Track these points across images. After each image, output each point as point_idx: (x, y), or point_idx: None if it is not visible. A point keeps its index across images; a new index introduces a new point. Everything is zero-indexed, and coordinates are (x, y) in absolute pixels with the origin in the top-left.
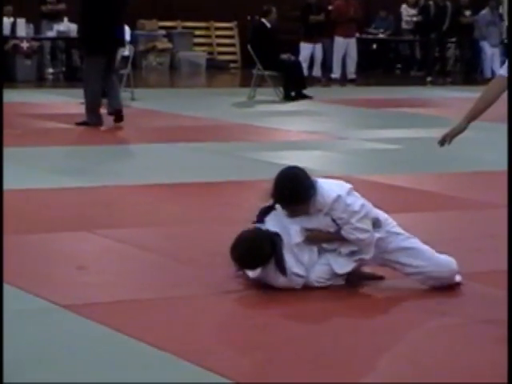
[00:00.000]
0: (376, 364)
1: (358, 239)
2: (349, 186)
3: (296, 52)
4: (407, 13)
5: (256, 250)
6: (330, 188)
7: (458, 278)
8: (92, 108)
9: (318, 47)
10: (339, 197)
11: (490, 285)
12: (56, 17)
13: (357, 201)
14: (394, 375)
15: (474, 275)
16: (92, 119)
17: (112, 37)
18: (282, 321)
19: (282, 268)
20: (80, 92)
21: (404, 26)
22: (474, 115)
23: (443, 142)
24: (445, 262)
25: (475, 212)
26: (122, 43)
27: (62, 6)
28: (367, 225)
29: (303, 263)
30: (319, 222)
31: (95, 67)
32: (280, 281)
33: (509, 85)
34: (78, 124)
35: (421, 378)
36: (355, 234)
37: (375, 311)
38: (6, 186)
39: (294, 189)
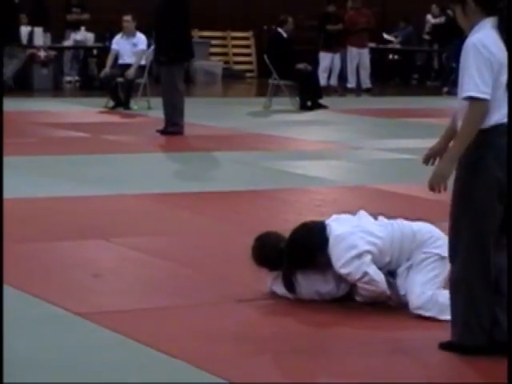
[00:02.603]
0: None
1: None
2: (364, 248)
3: (313, 62)
4: (429, 22)
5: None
6: (338, 248)
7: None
8: (177, 116)
9: (337, 57)
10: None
11: None
12: (76, 26)
13: (361, 266)
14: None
15: None
16: (175, 127)
17: (190, 46)
18: (295, 330)
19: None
20: (93, 101)
21: (425, 36)
22: (451, 135)
23: (427, 161)
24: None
25: None
26: (193, 54)
27: (86, 16)
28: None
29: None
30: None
31: (179, 76)
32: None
33: (508, 86)
34: (161, 132)
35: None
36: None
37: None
38: (21, 195)
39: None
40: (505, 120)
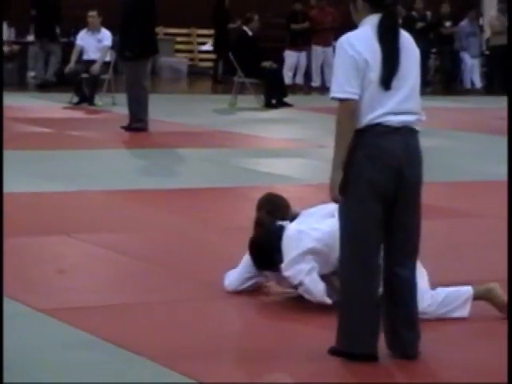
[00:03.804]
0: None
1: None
2: (307, 246)
3: (279, 60)
4: None
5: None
6: (286, 249)
7: None
8: (142, 112)
9: (303, 55)
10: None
11: None
12: None
13: (299, 274)
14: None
15: (454, 284)
16: (139, 124)
17: (155, 43)
18: (260, 326)
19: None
20: (58, 96)
21: None
22: (343, 157)
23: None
24: None
25: (456, 221)
26: (158, 50)
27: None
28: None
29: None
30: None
31: (143, 72)
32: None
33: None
34: (125, 128)
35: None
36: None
37: None
38: None
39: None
40: (383, 120)
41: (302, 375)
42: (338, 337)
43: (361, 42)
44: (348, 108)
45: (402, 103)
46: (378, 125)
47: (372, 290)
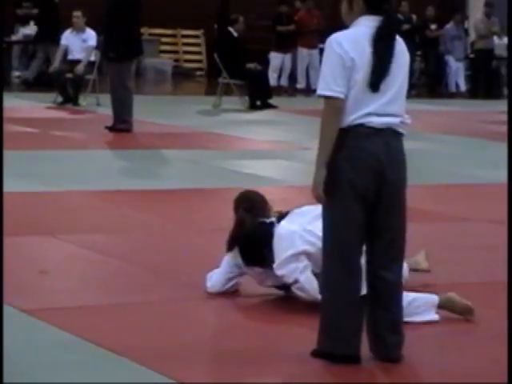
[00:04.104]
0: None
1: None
2: (300, 248)
3: (264, 61)
4: None
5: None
6: (278, 248)
7: None
8: (126, 113)
9: (288, 57)
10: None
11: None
12: (26, 20)
13: (293, 272)
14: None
15: (441, 287)
16: (123, 124)
17: (139, 43)
18: (243, 327)
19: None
20: (42, 96)
21: None
22: (328, 155)
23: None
24: None
25: (441, 224)
26: (142, 51)
27: (35, 11)
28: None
29: None
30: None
31: (127, 72)
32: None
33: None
34: (109, 129)
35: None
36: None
37: None
38: None
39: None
40: (365, 120)
41: (284, 376)
42: (320, 337)
43: (349, 41)
44: (334, 106)
45: (387, 105)
46: (361, 125)
47: (353, 290)
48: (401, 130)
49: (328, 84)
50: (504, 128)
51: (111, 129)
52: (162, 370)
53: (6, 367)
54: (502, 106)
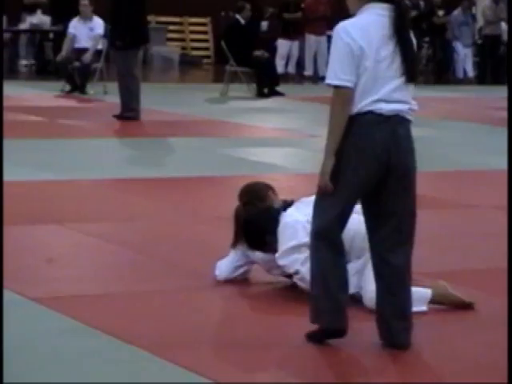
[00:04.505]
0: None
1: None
2: (303, 240)
3: (271, 49)
4: None
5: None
6: (282, 237)
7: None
8: (133, 101)
9: (295, 45)
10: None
11: (460, 283)
12: (33, 9)
13: (294, 263)
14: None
15: (445, 274)
16: (130, 113)
17: (145, 32)
18: (250, 315)
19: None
20: (50, 85)
21: None
22: (337, 144)
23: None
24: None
25: (448, 211)
26: (149, 39)
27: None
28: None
29: None
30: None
31: (134, 61)
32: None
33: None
34: (117, 117)
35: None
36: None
37: None
38: None
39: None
40: (374, 107)
41: (284, 361)
42: (310, 313)
43: (357, 29)
44: (342, 95)
45: (395, 92)
46: (370, 112)
47: (338, 266)
48: (409, 116)
49: (336, 73)
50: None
51: (119, 117)
52: (170, 357)
53: (14, 355)
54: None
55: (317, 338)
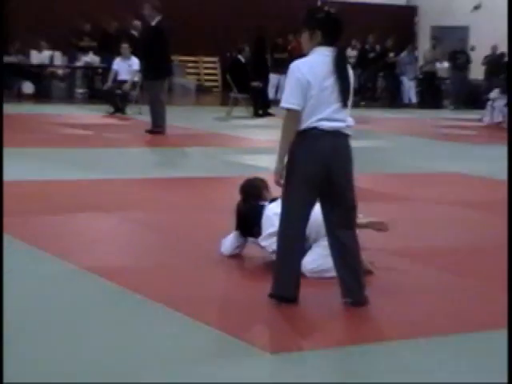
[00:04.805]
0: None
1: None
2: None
3: (265, 80)
4: (348, 54)
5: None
6: (264, 226)
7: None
8: (160, 119)
9: (283, 77)
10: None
11: (402, 255)
12: (86, 51)
13: (272, 244)
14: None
15: (390, 249)
16: (158, 128)
17: (170, 67)
18: (246, 281)
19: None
20: (98, 107)
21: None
22: (286, 152)
23: (279, 178)
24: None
25: (392, 203)
26: (172, 72)
27: (94, 43)
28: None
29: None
30: None
31: (161, 89)
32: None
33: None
34: (148, 132)
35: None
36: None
37: None
38: (38, 178)
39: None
40: (318, 124)
41: (274, 319)
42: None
43: (306, 67)
44: (291, 115)
45: (335, 113)
46: (315, 128)
47: (293, 249)
48: (346, 131)
49: (288, 99)
50: (444, 130)
51: (149, 132)
52: (188, 312)
53: (67, 315)
54: (442, 114)
55: (275, 299)
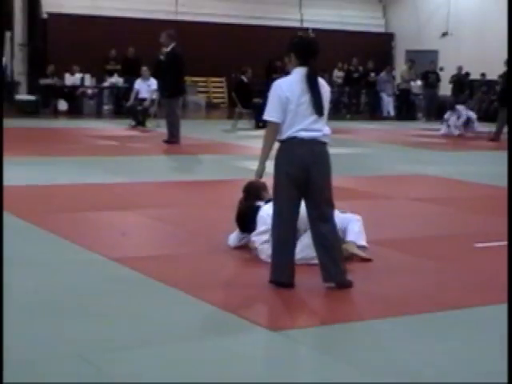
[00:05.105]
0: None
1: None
2: (269, 227)
3: (265, 97)
4: (336, 74)
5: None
6: (258, 224)
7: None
8: (175, 131)
9: None
10: (253, 234)
11: (386, 246)
12: (112, 73)
13: (257, 241)
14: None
15: (375, 240)
16: (174, 139)
17: (183, 86)
18: (248, 268)
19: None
20: (122, 121)
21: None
22: (267, 157)
23: (259, 178)
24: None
25: (374, 200)
26: (185, 91)
27: (118, 67)
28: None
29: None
30: None
31: (176, 105)
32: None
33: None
34: (165, 141)
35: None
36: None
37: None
38: (72, 181)
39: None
40: (297, 134)
41: (272, 298)
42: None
43: (286, 84)
44: (271, 127)
45: (312, 124)
46: (294, 138)
47: (287, 241)
48: (324, 139)
49: (269, 112)
50: (418, 139)
51: (166, 142)
52: (198, 294)
53: (99, 299)
54: (416, 125)
55: (274, 284)
